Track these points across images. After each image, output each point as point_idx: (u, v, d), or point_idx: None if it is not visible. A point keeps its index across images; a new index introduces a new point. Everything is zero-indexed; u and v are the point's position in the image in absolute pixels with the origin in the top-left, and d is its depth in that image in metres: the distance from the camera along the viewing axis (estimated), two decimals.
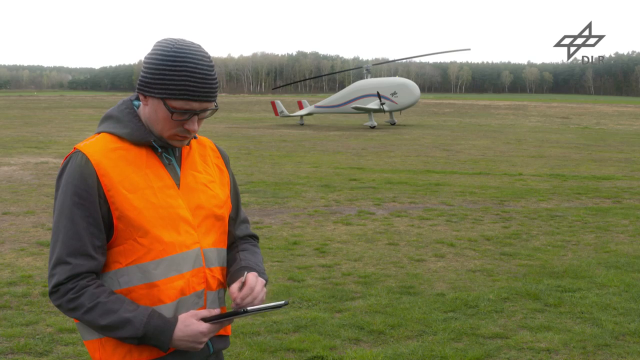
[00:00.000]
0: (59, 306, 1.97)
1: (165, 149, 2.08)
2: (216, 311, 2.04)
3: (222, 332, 2.16)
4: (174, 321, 1.96)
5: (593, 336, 5.33)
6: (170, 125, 1.99)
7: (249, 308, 1.99)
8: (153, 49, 1.97)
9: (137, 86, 2.01)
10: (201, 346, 1.99)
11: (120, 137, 2.03)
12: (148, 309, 1.95)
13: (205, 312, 2.01)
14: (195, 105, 1.95)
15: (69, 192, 1.94)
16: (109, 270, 2.00)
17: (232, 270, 2.19)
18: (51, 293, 1.96)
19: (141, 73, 1.99)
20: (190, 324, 1.96)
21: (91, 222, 1.94)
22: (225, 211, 2.20)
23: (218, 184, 2.19)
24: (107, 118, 2.09)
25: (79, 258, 1.93)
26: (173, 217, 2.02)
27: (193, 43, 1.98)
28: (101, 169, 1.95)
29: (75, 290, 1.92)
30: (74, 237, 1.94)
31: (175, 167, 2.09)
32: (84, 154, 1.97)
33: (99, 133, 2.07)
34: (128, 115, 2.05)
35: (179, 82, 1.92)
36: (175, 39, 1.97)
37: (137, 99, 2.09)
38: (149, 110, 2.01)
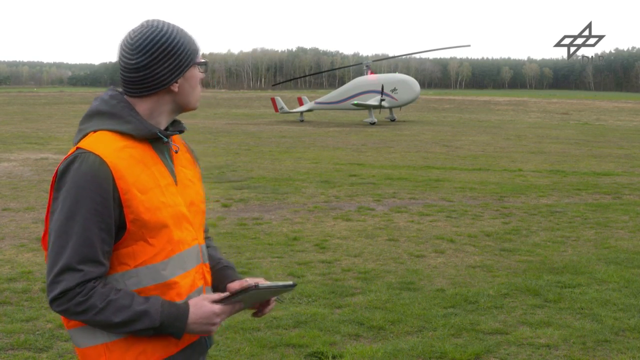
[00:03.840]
0: (64, 311, 1.85)
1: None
2: (225, 294, 2.01)
3: None
4: (186, 306, 1.93)
5: (593, 332, 5.34)
6: (199, 87, 2.06)
7: (260, 285, 1.98)
8: (141, 47, 1.93)
9: (148, 87, 1.96)
10: (215, 328, 1.95)
11: (122, 134, 1.92)
12: (158, 299, 1.90)
13: (215, 296, 1.98)
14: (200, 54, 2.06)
15: (81, 197, 1.83)
16: (114, 273, 1.92)
17: (216, 268, 2.20)
18: (55, 299, 1.84)
19: (147, 72, 1.94)
20: (203, 306, 1.93)
21: (103, 227, 1.85)
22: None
23: (198, 179, 2.17)
24: (97, 114, 1.96)
25: (89, 265, 1.84)
26: (178, 215, 1.99)
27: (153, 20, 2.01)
28: (117, 171, 1.86)
29: (83, 293, 1.83)
30: (85, 243, 1.84)
31: (169, 163, 2.04)
32: (97, 155, 1.85)
33: (94, 131, 1.93)
34: (125, 109, 1.95)
35: (185, 41, 1.99)
36: (144, 25, 1.98)
37: (122, 93, 2.01)
38: (180, 96, 2.01)
